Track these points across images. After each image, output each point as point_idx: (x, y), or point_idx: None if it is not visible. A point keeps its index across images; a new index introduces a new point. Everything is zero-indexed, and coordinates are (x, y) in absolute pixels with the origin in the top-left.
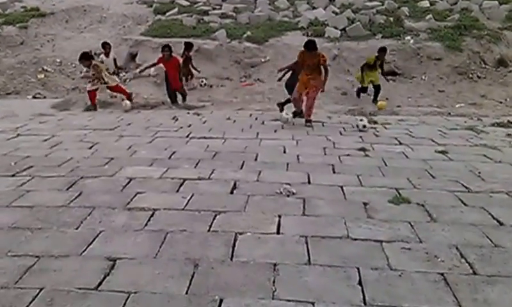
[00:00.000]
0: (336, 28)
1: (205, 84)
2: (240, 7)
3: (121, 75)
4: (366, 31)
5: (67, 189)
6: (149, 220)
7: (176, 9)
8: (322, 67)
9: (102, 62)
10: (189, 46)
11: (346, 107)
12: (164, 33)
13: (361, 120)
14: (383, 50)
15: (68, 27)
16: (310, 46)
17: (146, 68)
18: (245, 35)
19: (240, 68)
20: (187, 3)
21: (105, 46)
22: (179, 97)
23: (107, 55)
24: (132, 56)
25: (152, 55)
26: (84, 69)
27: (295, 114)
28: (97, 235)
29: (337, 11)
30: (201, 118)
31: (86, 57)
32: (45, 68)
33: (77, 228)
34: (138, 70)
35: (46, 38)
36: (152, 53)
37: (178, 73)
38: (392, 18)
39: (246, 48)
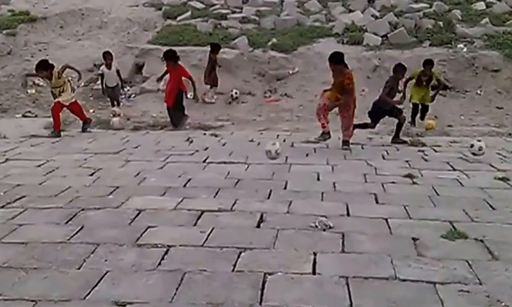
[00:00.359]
0: (376, 34)
1: (236, 97)
2: (264, 11)
3: (125, 89)
4: (411, 37)
5: (66, 223)
6: (163, 258)
7: (189, 13)
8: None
9: (102, 74)
10: (216, 48)
11: (388, 126)
12: (175, 41)
13: (478, 140)
14: (428, 63)
15: (63, 33)
16: (333, 58)
17: (162, 76)
18: (270, 43)
19: (264, 81)
20: (202, 6)
21: (107, 56)
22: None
23: (108, 66)
24: (138, 67)
25: (161, 67)
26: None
27: (323, 137)
28: (103, 276)
29: (377, 14)
30: (220, 139)
31: (43, 67)
32: (37, 82)
33: (79, 268)
34: (157, 79)
35: (37, 47)
36: (161, 64)
37: (176, 88)
38: (441, 23)
39: (271, 58)
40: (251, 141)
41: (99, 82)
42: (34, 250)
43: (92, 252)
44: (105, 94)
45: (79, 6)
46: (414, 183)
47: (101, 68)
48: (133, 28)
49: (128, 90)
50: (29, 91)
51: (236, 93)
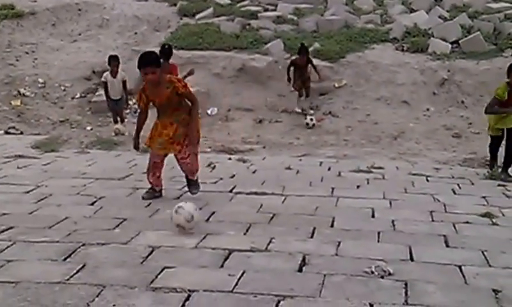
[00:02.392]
0: (445, 40)
1: (313, 125)
2: (304, 9)
3: (130, 103)
4: (489, 44)
5: (64, 259)
6: (183, 305)
7: (211, 10)
8: None
9: (106, 83)
10: (304, 50)
11: (460, 155)
12: (194, 43)
13: None
14: None
15: (56, 33)
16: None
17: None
18: (311, 48)
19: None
20: (227, 1)
21: (113, 61)
22: None
23: (114, 74)
24: None
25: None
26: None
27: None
28: None
29: (446, 15)
30: (249, 165)
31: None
32: (23, 91)
33: None
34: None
35: (24, 49)
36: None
37: None
38: None
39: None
40: (288, 168)
41: (99, 92)
42: (27, 291)
43: (97, 296)
44: (109, 107)
45: (75, 0)
46: (494, 223)
47: (104, 75)
48: (141, 27)
49: (134, 104)
50: (12, 102)
51: (312, 119)
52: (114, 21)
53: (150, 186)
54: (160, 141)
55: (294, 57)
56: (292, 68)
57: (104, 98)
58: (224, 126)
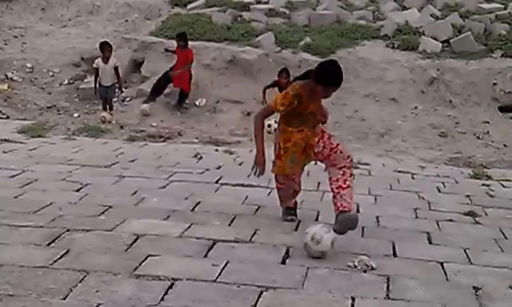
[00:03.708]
0: (435, 39)
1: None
2: (297, 2)
3: (124, 90)
4: (479, 44)
5: (48, 244)
6: (166, 293)
7: (203, 0)
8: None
9: (97, 69)
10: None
11: (446, 154)
12: None
13: None
14: None
15: (45, 17)
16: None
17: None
18: (302, 42)
19: None
20: None
21: (105, 48)
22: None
23: (105, 60)
24: (136, 64)
25: (165, 65)
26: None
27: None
28: None
29: (438, 14)
30: (236, 157)
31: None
32: (10, 75)
33: (64, 298)
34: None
35: (12, 33)
36: (165, 61)
37: (188, 70)
38: None
39: (303, 61)
40: None
41: (87, 79)
42: (10, 275)
43: (80, 281)
44: (96, 95)
45: None
46: (477, 222)
47: (96, 61)
48: (132, 15)
49: (122, 92)
50: (0, 86)
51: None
52: (104, 8)
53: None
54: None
55: (276, 79)
56: (270, 89)
57: (92, 85)
58: (212, 118)
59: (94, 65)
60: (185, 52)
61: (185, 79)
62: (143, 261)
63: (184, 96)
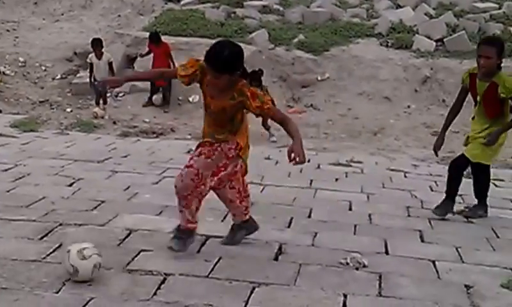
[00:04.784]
0: (429, 38)
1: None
2: None
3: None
4: (473, 44)
5: (41, 238)
6: (159, 288)
7: None
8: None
9: (91, 64)
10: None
11: (438, 153)
12: (178, 30)
13: None
14: None
15: (38, 12)
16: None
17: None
18: (296, 40)
19: (286, 87)
20: None
21: (97, 45)
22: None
23: (98, 56)
24: (130, 60)
25: None
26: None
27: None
28: (86, 303)
29: (432, 13)
30: None
31: None
32: (2, 69)
33: (57, 292)
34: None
35: (4, 26)
36: None
37: (166, 65)
38: None
39: (297, 58)
40: (268, 158)
41: (80, 74)
42: (3, 268)
43: None
44: (93, 88)
45: None
46: (469, 221)
47: (90, 56)
48: (125, 10)
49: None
50: None
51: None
52: (97, 2)
53: None
54: None
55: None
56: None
57: (86, 80)
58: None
59: (88, 60)
60: (161, 48)
61: None
62: (136, 256)
63: (165, 89)
